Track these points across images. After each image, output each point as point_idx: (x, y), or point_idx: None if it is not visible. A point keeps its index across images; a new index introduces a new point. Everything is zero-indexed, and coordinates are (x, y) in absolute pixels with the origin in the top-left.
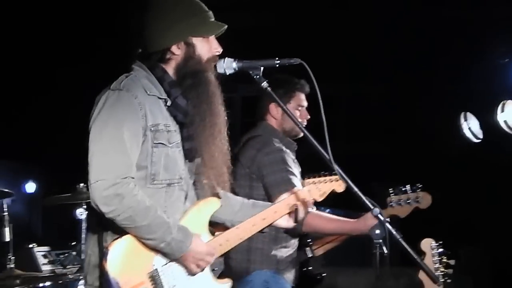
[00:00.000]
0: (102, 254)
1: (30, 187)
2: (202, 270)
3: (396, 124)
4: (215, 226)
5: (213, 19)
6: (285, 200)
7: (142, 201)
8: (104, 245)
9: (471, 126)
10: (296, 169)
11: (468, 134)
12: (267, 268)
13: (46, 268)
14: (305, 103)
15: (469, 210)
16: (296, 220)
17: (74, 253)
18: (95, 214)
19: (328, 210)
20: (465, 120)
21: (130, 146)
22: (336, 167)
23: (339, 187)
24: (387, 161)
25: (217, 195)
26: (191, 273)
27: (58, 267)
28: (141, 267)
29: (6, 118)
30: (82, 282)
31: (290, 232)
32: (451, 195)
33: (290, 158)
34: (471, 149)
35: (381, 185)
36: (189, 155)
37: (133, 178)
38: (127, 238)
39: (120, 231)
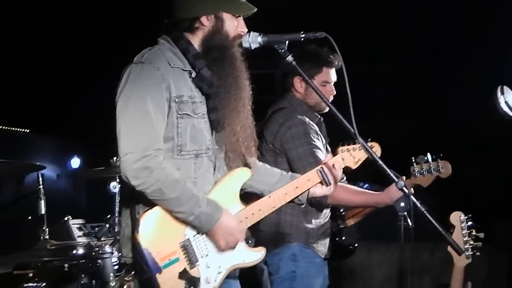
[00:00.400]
0: (134, 225)
1: (75, 162)
2: (230, 247)
3: (431, 102)
4: (249, 198)
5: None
6: (317, 168)
7: (171, 173)
8: (136, 217)
9: (508, 100)
10: (319, 142)
11: (505, 108)
12: (296, 241)
13: (81, 240)
14: (331, 79)
15: (506, 186)
16: (327, 185)
17: (107, 225)
18: (127, 187)
19: (366, 185)
20: (502, 94)
21: (156, 118)
22: (360, 140)
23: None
24: (423, 139)
25: (247, 165)
26: (220, 249)
27: (93, 239)
28: (172, 237)
29: (51, 95)
30: (115, 254)
31: (318, 205)
32: (489, 171)
33: (314, 130)
34: (508, 123)
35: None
36: (215, 126)
37: (161, 149)
38: (158, 209)
39: (151, 203)
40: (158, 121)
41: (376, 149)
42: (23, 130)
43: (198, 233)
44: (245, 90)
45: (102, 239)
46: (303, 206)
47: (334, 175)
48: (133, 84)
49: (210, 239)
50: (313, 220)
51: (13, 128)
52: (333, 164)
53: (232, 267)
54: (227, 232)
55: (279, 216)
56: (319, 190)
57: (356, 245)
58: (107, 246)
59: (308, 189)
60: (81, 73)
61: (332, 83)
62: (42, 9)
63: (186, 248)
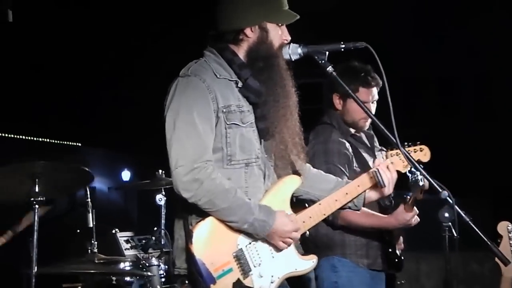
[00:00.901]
0: (187, 236)
1: (126, 175)
2: (289, 246)
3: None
4: (298, 206)
5: (287, 8)
6: (367, 173)
7: (221, 184)
8: (189, 228)
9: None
10: (343, 160)
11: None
12: (332, 253)
13: (128, 253)
14: (369, 99)
15: None
16: (383, 186)
17: (153, 238)
18: (179, 199)
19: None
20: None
21: (203, 130)
22: (403, 150)
23: (424, 157)
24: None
25: (297, 173)
26: (278, 250)
27: (140, 252)
28: (226, 247)
29: (103, 109)
30: (162, 267)
31: (332, 224)
32: None
33: (340, 151)
34: None
35: None
36: (263, 135)
37: (210, 161)
38: (210, 220)
39: (204, 214)
40: (206, 133)
41: (425, 152)
42: (75, 143)
43: (250, 242)
44: (292, 98)
45: (149, 251)
46: (359, 211)
47: (388, 176)
48: (180, 97)
49: (264, 243)
50: (348, 233)
51: (65, 142)
52: (387, 166)
53: (284, 276)
54: (283, 235)
55: (315, 229)
56: (374, 194)
57: (402, 258)
58: (153, 258)
59: (359, 194)
60: (132, 88)
61: (370, 102)
62: (90, 25)
63: (239, 258)
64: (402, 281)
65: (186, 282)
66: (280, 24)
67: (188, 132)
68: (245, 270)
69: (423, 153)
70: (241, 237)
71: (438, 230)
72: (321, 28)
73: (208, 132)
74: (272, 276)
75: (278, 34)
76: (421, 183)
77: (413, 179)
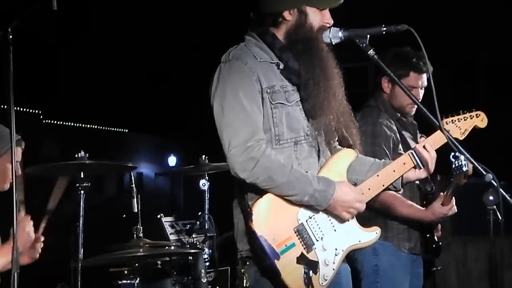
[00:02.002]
0: (247, 217)
1: (172, 160)
2: (353, 217)
3: None
4: None
5: None
6: (409, 151)
7: (276, 159)
8: (247, 209)
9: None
10: (388, 143)
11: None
12: None
13: (173, 237)
14: (418, 84)
15: None
16: (420, 168)
17: (198, 222)
18: (236, 183)
19: None
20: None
21: (251, 110)
22: (446, 133)
23: (481, 122)
24: None
25: (351, 147)
26: (339, 222)
27: (184, 236)
28: (286, 223)
29: (149, 95)
30: (206, 251)
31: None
32: None
33: (387, 134)
34: None
35: None
36: (310, 115)
37: (262, 139)
38: (268, 197)
39: (261, 193)
40: (255, 112)
41: (482, 118)
42: (122, 129)
43: (310, 216)
44: (334, 79)
45: (193, 236)
46: (400, 192)
47: (425, 156)
48: (224, 82)
49: (325, 215)
50: (390, 215)
51: (113, 128)
52: (424, 146)
53: (348, 248)
54: (346, 205)
55: None
56: (412, 174)
57: (440, 243)
58: (198, 243)
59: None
60: (177, 75)
61: (420, 88)
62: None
63: (301, 232)
64: (439, 268)
65: (247, 263)
66: (321, 8)
67: (237, 114)
68: (308, 244)
69: (479, 119)
70: (301, 211)
71: (484, 213)
72: (363, 12)
73: (257, 112)
74: (336, 249)
75: (318, 17)
76: (465, 169)
77: (457, 164)
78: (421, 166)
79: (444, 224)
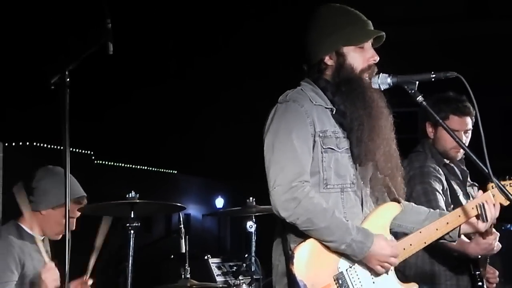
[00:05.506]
0: (288, 258)
1: (219, 202)
2: (387, 272)
3: None
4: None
5: (369, 28)
6: (469, 203)
7: (319, 203)
8: (289, 251)
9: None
10: (438, 186)
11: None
12: (423, 283)
13: (219, 279)
14: (461, 127)
15: None
16: (484, 221)
17: (244, 264)
18: (279, 223)
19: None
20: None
21: (301, 152)
22: (495, 180)
23: None
24: None
25: (397, 200)
26: (376, 274)
27: (231, 278)
28: (326, 270)
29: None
30: None
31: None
32: None
33: (436, 176)
34: None
35: None
36: (357, 160)
37: (307, 181)
38: (311, 241)
39: (303, 237)
40: (304, 154)
41: None
42: (171, 170)
43: (351, 265)
44: (381, 119)
45: (239, 278)
46: (455, 243)
47: (492, 212)
48: (279, 120)
49: (365, 267)
50: (438, 262)
51: (162, 169)
52: (494, 204)
53: None
54: (381, 259)
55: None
56: (468, 228)
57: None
58: (244, 285)
59: (458, 226)
60: (225, 116)
61: (463, 132)
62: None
63: (340, 281)
64: None
65: None
66: (360, 46)
67: (286, 153)
68: None
69: None
70: (342, 260)
71: None
72: (413, 58)
73: (306, 153)
74: None
75: (359, 56)
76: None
77: None
78: (485, 220)
79: (494, 268)
